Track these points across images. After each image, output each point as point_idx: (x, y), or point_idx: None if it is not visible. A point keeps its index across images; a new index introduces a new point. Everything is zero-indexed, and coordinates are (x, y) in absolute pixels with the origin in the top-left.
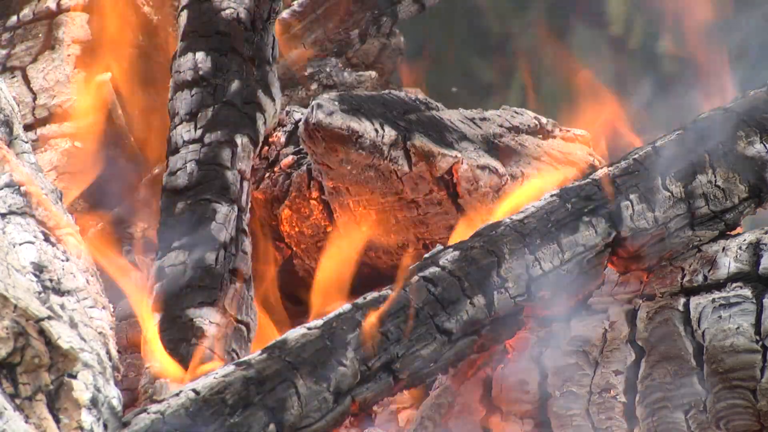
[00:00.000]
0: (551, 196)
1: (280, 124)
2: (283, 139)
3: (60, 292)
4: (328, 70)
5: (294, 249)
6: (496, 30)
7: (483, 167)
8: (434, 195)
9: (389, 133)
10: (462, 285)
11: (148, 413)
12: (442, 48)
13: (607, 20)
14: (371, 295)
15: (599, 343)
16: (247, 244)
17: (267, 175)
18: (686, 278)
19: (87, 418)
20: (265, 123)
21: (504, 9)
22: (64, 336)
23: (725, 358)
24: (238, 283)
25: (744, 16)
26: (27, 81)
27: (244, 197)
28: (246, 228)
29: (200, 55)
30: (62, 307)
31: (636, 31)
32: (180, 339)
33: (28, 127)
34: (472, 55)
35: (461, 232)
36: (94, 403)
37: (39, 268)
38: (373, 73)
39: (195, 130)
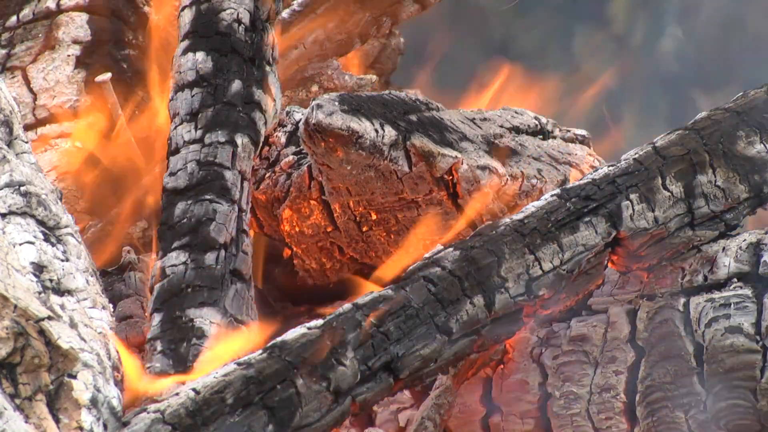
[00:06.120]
0: (551, 195)
1: (281, 124)
2: (283, 140)
3: (60, 292)
4: (329, 72)
5: (294, 249)
6: (499, 31)
7: (483, 167)
8: (434, 195)
9: (389, 134)
10: (462, 285)
11: (148, 413)
12: (444, 49)
13: (610, 20)
14: (371, 295)
15: (599, 343)
16: (247, 244)
17: (267, 175)
18: (686, 278)
19: (87, 418)
20: (265, 123)
21: (507, 9)
22: (64, 336)
23: (725, 358)
24: (238, 284)
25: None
26: (27, 81)
27: (244, 197)
28: (246, 228)
29: (201, 56)
30: (62, 307)
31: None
32: (180, 339)
33: (28, 127)
34: (475, 56)
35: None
36: (94, 403)
37: (39, 268)
38: (374, 77)
39: (195, 131)
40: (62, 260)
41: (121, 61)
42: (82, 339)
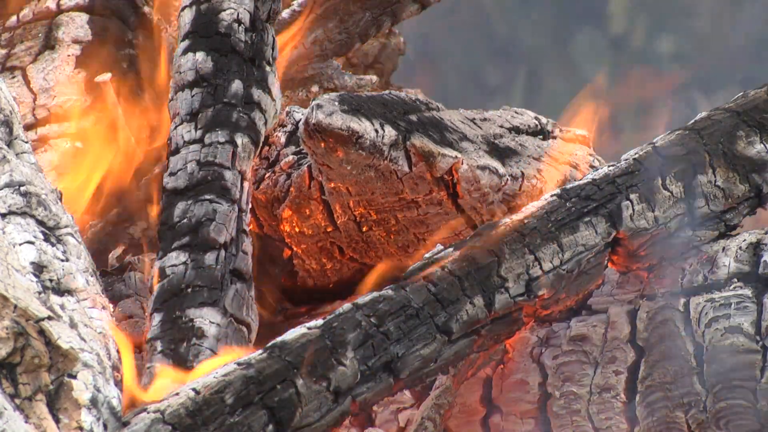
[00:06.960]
0: (551, 195)
1: (281, 124)
2: (283, 140)
3: (60, 292)
4: (329, 72)
5: (294, 249)
6: (500, 31)
7: (483, 168)
8: (434, 195)
9: (389, 134)
10: (462, 285)
11: (148, 413)
12: (445, 49)
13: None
14: (371, 295)
15: (599, 343)
16: (247, 244)
17: (267, 175)
18: (686, 278)
19: (87, 418)
20: (265, 123)
21: (508, 10)
22: (64, 336)
23: (725, 358)
24: (238, 284)
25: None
26: (27, 81)
27: (244, 197)
28: (246, 228)
29: (201, 56)
30: (62, 307)
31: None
32: (180, 339)
33: (28, 127)
34: (476, 56)
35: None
36: (93, 403)
37: (39, 268)
38: (374, 77)
39: (195, 131)
40: (62, 260)
41: (121, 61)
42: (82, 339)
